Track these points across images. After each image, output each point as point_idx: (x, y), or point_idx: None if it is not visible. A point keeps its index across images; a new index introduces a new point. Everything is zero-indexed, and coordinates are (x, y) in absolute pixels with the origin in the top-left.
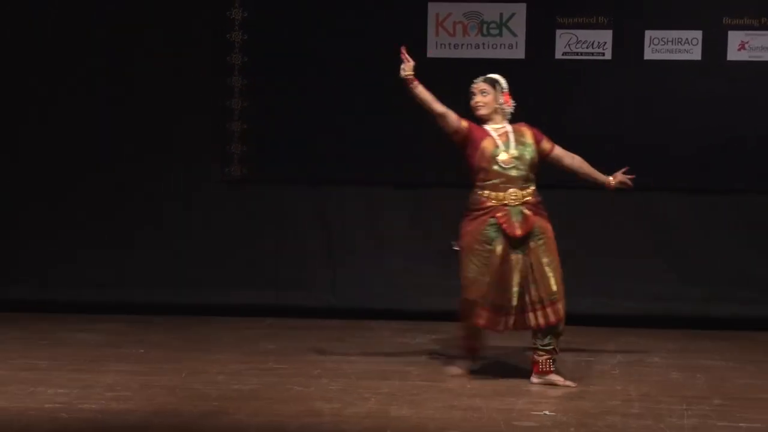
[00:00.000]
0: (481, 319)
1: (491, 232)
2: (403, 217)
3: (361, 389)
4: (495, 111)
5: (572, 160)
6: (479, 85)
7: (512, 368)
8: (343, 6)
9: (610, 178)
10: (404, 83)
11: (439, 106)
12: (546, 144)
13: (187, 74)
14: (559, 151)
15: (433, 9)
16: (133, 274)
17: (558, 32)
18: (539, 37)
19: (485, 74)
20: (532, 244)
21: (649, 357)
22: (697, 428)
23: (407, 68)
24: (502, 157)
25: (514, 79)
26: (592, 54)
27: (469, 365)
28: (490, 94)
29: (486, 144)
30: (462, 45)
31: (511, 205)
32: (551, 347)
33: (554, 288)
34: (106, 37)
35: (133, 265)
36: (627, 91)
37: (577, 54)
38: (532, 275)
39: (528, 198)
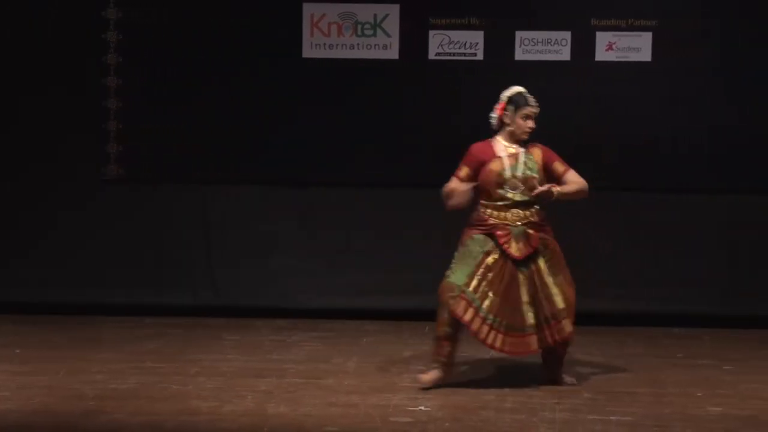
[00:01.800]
0: (497, 342)
1: (486, 240)
2: (285, 215)
3: (238, 387)
4: None
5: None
6: (536, 109)
7: (389, 365)
8: (218, 6)
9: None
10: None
11: (461, 194)
12: (558, 167)
13: (62, 75)
14: (570, 177)
15: (307, 9)
16: (14, 274)
17: (431, 33)
18: (413, 38)
19: (363, 74)
20: (539, 262)
21: None
22: (568, 422)
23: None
24: (508, 180)
25: (388, 80)
26: (465, 54)
27: (438, 375)
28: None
29: (494, 165)
30: (337, 45)
31: (513, 226)
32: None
33: (560, 306)
34: None
35: (14, 265)
36: (498, 91)
37: (449, 54)
38: (540, 294)
39: (531, 218)
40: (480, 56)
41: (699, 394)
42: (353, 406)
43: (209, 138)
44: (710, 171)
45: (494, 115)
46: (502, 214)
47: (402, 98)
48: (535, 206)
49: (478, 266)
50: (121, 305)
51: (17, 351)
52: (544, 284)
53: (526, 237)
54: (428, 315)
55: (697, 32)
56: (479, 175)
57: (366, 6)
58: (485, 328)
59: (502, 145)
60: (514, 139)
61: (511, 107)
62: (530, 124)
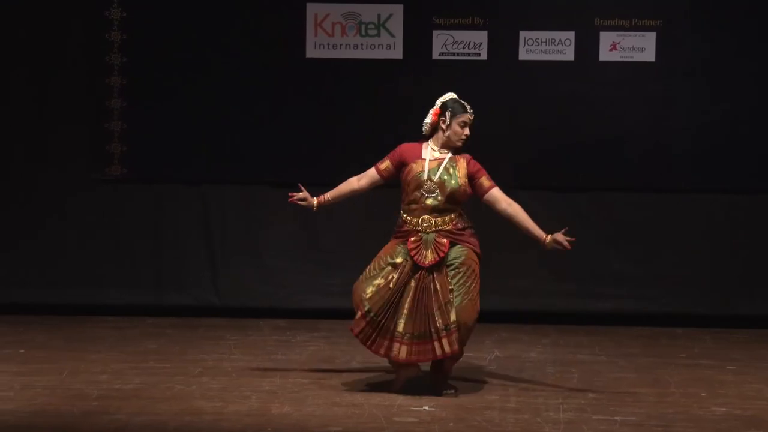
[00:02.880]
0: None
1: (401, 250)
2: (284, 216)
3: (242, 387)
4: None
5: (508, 206)
6: (472, 117)
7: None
8: (223, 6)
9: (547, 237)
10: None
11: (352, 188)
12: (485, 182)
13: (64, 74)
14: (496, 194)
15: (311, 9)
16: (13, 274)
17: (435, 33)
18: (416, 38)
19: (367, 74)
20: (443, 270)
21: (525, 352)
22: (573, 422)
23: (308, 202)
24: (425, 182)
25: (392, 80)
26: (468, 54)
27: (395, 377)
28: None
29: (415, 166)
30: (341, 45)
31: (424, 232)
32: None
33: (452, 318)
34: None
35: (13, 265)
36: (502, 90)
37: (453, 54)
38: (437, 301)
39: (444, 225)
40: (484, 56)
41: (702, 395)
42: (357, 406)
43: (211, 138)
44: (714, 170)
45: (428, 120)
46: (415, 219)
47: (406, 98)
48: (451, 215)
49: (385, 278)
50: (121, 305)
51: (21, 351)
52: (445, 290)
53: (436, 244)
54: None
55: (701, 32)
56: (401, 174)
57: (370, 6)
58: (384, 342)
59: (430, 149)
60: (447, 145)
61: (447, 114)
62: (466, 131)
